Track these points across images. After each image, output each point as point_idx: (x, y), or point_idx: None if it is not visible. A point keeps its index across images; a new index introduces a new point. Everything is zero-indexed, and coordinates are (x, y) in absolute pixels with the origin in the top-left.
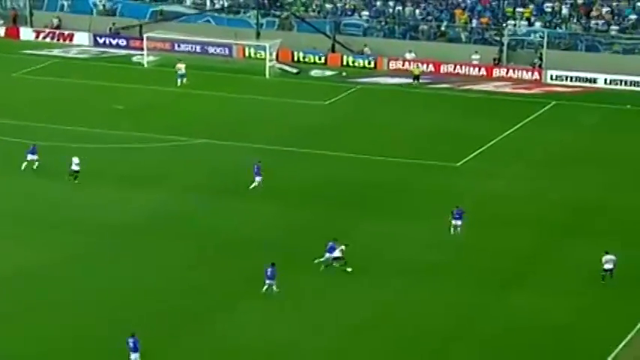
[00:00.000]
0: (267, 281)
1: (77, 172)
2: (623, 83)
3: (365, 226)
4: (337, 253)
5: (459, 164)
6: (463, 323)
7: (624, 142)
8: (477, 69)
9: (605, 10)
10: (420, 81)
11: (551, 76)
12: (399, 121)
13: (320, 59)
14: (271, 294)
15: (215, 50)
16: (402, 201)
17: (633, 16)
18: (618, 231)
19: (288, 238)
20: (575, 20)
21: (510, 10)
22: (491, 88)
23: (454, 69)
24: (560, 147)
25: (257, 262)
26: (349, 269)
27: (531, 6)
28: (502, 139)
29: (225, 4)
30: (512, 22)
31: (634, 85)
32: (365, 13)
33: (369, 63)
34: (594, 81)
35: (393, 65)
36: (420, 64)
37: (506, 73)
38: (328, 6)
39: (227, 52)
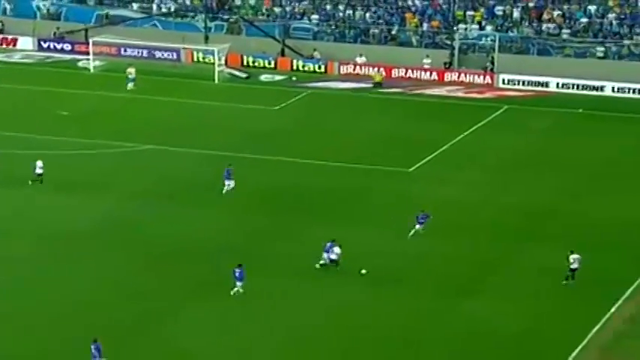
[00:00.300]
0: (238, 283)
1: (41, 175)
2: (575, 87)
3: (318, 232)
4: (333, 256)
5: (411, 169)
6: (420, 329)
7: (576, 146)
8: (428, 73)
9: (556, 13)
10: (382, 88)
11: (504, 80)
12: (351, 126)
13: (270, 64)
14: (239, 295)
15: (163, 55)
16: (354, 207)
17: (584, 20)
18: (571, 235)
19: (240, 244)
20: (526, 24)
21: (461, 13)
22: (443, 93)
23: (406, 73)
24: (512, 151)
25: (208, 268)
26: (363, 271)
27: (482, 9)
28: (455, 143)
29: (172, 8)
30: (464, 25)
31: (586, 89)
32: (315, 16)
33: (320, 67)
34: (546, 85)
35: (344, 70)
36: (377, 69)
37: (458, 77)
38: (277, 10)
39: (175, 56)
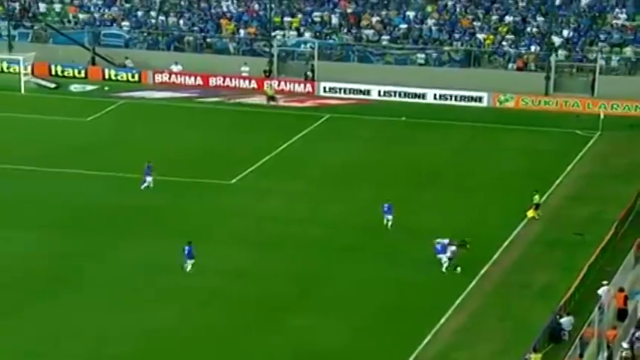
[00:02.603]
0: (188, 261)
1: None
2: (397, 95)
3: (131, 250)
4: (449, 254)
5: (233, 181)
6: (243, 346)
7: (399, 155)
8: (247, 81)
9: (375, 19)
10: (277, 102)
11: (324, 88)
12: (168, 138)
13: (80, 73)
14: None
15: None
16: (174, 222)
17: (404, 26)
18: (399, 247)
19: (46, 268)
20: (345, 30)
21: (278, 19)
22: (263, 101)
23: (223, 82)
24: (335, 161)
25: (14, 296)
26: (459, 269)
27: (300, 15)
28: (277, 154)
29: None
30: (281, 32)
31: (408, 97)
32: (125, 23)
33: (133, 76)
34: (368, 93)
35: (158, 78)
36: (269, 83)
37: (278, 85)
38: (85, 16)
39: None
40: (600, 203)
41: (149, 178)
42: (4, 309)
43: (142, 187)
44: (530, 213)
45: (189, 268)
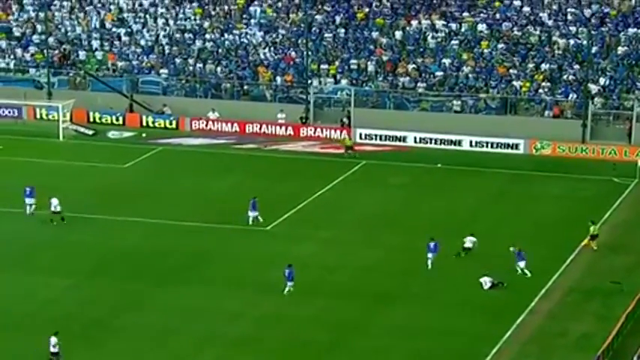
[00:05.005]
0: (289, 283)
1: (59, 212)
2: (432, 142)
3: (167, 297)
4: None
5: (269, 228)
6: None
7: (435, 202)
8: (283, 128)
9: (411, 66)
10: (355, 152)
11: (361, 135)
12: (204, 184)
13: (117, 120)
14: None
15: (2, 112)
16: (208, 269)
17: (440, 73)
18: (434, 294)
19: (82, 314)
20: (381, 77)
21: (315, 66)
22: (299, 148)
23: (260, 128)
24: (371, 208)
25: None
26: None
27: (336, 62)
28: (312, 200)
29: (12, 64)
30: (318, 79)
31: (443, 144)
32: (164, 71)
33: (171, 123)
34: (404, 139)
35: (195, 125)
36: (346, 133)
37: (314, 132)
38: (124, 64)
39: (16, 113)
40: (637, 252)
41: (251, 214)
42: (43, 355)
43: (249, 222)
44: (586, 242)
45: (287, 289)
